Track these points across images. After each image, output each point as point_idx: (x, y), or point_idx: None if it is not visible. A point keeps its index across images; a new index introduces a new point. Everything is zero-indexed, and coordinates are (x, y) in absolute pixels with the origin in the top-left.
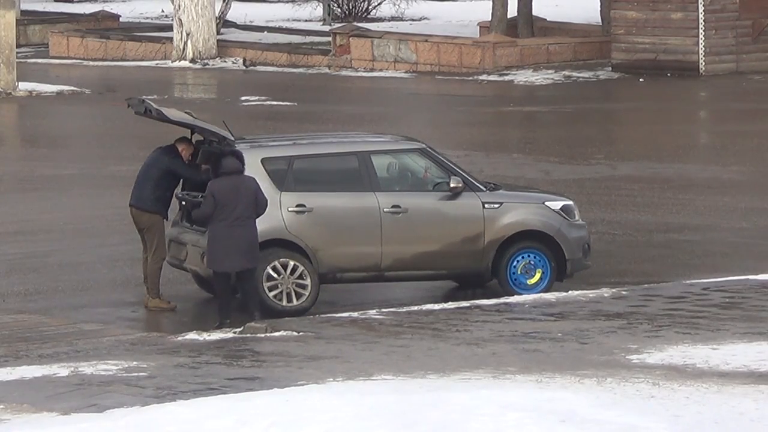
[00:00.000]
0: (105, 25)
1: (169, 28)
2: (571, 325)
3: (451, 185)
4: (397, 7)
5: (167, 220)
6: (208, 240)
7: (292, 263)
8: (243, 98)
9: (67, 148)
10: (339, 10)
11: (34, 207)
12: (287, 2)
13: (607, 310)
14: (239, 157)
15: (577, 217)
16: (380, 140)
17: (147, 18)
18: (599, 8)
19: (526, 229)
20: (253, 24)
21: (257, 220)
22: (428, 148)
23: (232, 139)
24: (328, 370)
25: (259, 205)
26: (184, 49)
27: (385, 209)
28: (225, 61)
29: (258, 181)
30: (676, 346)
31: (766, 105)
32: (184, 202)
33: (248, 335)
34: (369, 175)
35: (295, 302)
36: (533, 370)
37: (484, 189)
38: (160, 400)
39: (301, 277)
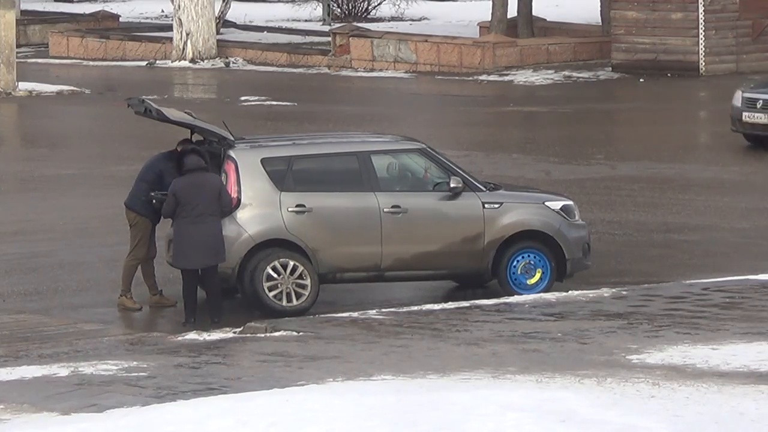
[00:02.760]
0: (105, 25)
1: (169, 28)
2: (571, 325)
3: (451, 185)
4: (397, 7)
5: (157, 223)
6: (172, 237)
7: (292, 263)
8: (243, 98)
9: (67, 148)
10: (339, 10)
11: (34, 207)
12: (287, 2)
13: (607, 310)
14: (201, 155)
15: (577, 217)
16: (380, 140)
17: (147, 18)
18: (599, 8)
19: (526, 229)
20: (253, 24)
21: (255, 221)
22: (428, 148)
23: (232, 139)
24: (328, 370)
25: (223, 202)
26: (184, 49)
27: (385, 209)
28: (225, 61)
29: (257, 181)
30: (676, 346)
31: None
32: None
33: (248, 335)
34: (369, 175)
35: (295, 302)
36: (533, 370)
37: (484, 189)
38: (160, 400)
39: (301, 277)
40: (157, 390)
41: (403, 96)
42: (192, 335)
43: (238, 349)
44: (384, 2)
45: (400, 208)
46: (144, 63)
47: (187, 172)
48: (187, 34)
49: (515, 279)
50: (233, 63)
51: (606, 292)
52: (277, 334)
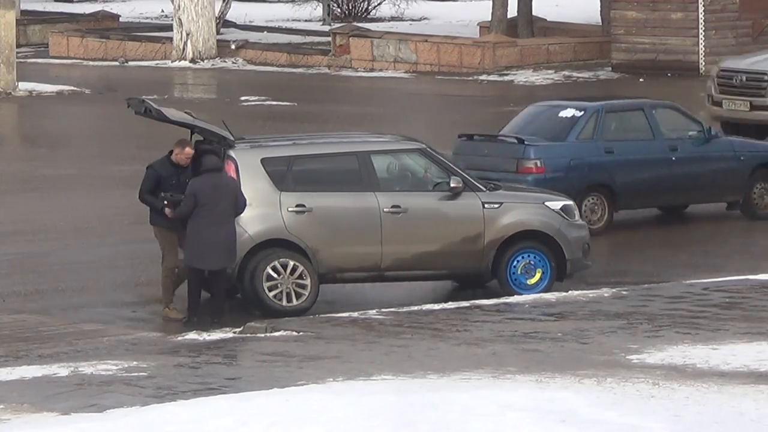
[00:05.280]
0: (105, 25)
1: (169, 28)
2: (571, 325)
3: (451, 185)
4: (397, 7)
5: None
6: (188, 237)
7: (292, 263)
8: (243, 98)
9: (67, 148)
10: (339, 10)
11: (34, 207)
12: (287, 2)
13: (607, 310)
14: (219, 155)
15: (577, 217)
16: (380, 140)
17: (147, 18)
18: (599, 8)
19: (526, 229)
20: (253, 24)
21: (255, 221)
22: (428, 148)
23: (232, 139)
24: (328, 370)
25: (238, 205)
26: (184, 49)
27: (385, 209)
28: (225, 61)
29: (257, 182)
30: (676, 346)
31: None
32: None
33: (248, 335)
34: (369, 175)
35: (295, 302)
36: (533, 370)
37: (484, 189)
38: (160, 400)
39: (301, 277)
40: (157, 390)
41: (403, 96)
42: (192, 335)
43: (238, 349)
44: (384, 2)
45: (400, 208)
46: (145, 63)
47: (204, 172)
48: (187, 34)
49: (515, 279)
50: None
51: (606, 292)
52: (277, 334)
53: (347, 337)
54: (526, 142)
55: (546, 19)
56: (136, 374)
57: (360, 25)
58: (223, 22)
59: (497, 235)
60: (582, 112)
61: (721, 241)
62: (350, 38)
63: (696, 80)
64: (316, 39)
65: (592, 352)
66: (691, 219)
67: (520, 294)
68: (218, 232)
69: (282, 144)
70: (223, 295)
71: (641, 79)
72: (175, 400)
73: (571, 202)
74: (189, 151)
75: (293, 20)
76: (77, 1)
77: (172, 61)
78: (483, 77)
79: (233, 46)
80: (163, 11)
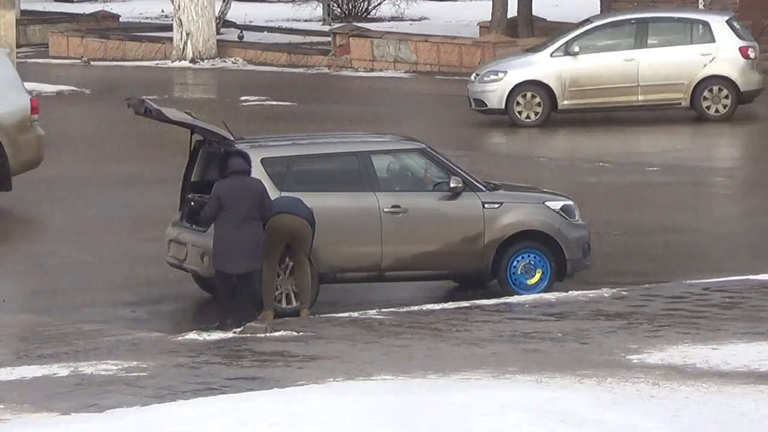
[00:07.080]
0: (105, 25)
1: (169, 28)
2: (571, 325)
3: (451, 185)
4: (397, 7)
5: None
6: (214, 240)
7: (291, 263)
8: (243, 98)
9: (67, 148)
10: (339, 10)
11: (35, 207)
12: (287, 2)
13: (607, 310)
14: (246, 158)
15: (577, 217)
16: (380, 140)
17: (147, 18)
18: (599, 8)
19: (526, 229)
20: (253, 24)
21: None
22: (428, 148)
23: (232, 139)
24: (328, 370)
25: (264, 207)
26: (184, 49)
27: (385, 209)
28: (225, 61)
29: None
30: (676, 346)
31: (766, 104)
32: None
33: (248, 335)
34: (369, 175)
35: (294, 303)
36: (533, 370)
37: (484, 189)
38: (160, 400)
39: None
40: (157, 390)
41: (403, 96)
42: (192, 335)
43: (238, 349)
44: (384, 2)
45: (400, 208)
46: (145, 63)
47: (230, 175)
48: (187, 34)
49: (515, 279)
50: (234, 63)
51: (606, 292)
52: (277, 334)
53: (347, 337)
54: None
55: (546, 19)
56: (136, 374)
57: (360, 25)
58: (223, 22)
59: (497, 235)
60: None
61: (721, 241)
62: (350, 38)
63: None
64: (316, 39)
65: (592, 352)
66: (690, 219)
67: (520, 294)
68: (243, 235)
69: (282, 144)
70: (252, 297)
71: None
72: (175, 400)
73: (571, 202)
74: None
75: (293, 20)
76: (77, 1)
77: (172, 61)
78: None
79: (238, 37)
80: (163, 11)
